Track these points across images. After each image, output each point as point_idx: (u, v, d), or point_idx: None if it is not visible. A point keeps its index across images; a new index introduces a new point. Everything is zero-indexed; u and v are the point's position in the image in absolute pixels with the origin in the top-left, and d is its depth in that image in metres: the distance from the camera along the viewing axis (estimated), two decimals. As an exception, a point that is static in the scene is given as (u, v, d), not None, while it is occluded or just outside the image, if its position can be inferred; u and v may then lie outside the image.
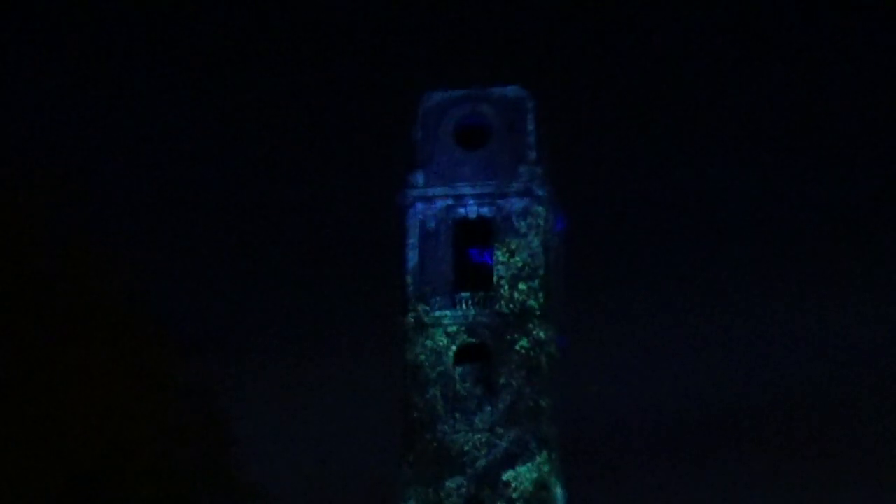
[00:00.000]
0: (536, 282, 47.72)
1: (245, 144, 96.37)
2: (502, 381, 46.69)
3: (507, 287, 47.70)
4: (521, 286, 47.60)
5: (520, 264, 47.81)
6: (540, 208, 48.43)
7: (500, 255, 48.00)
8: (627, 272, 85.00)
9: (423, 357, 47.06)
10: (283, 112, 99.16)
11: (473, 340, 47.37)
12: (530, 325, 47.30)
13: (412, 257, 48.25)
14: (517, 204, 48.25)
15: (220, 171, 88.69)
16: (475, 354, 47.32)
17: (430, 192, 48.61)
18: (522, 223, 48.03)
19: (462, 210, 48.73)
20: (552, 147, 50.95)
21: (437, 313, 47.48)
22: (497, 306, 47.55)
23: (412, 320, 47.55)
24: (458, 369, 47.15)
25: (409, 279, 48.10)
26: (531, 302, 47.50)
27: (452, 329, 47.38)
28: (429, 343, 47.17)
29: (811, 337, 79.94)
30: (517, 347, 46.95)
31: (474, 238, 49.09)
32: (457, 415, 46.40)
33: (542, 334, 47.41)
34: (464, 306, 47.70)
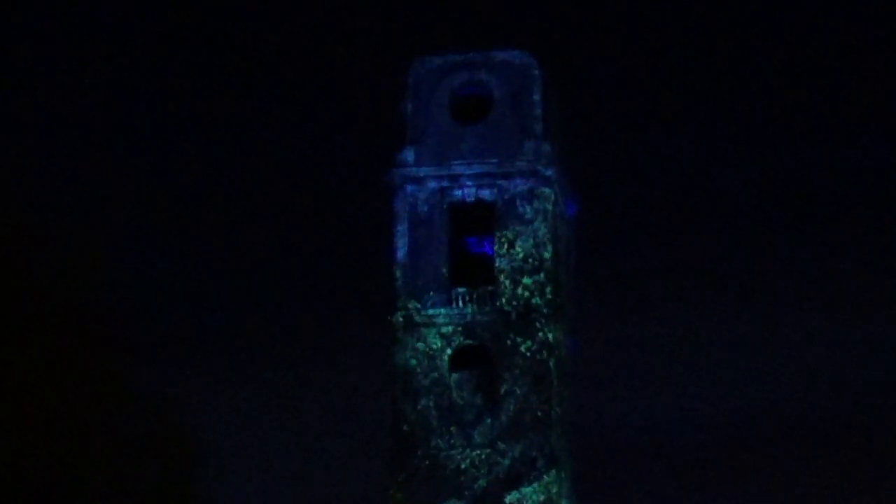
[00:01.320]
0: (543, 275, 47.91)
1: (209, 121, 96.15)
2: (505, 388, 46.92)
3: (509, 281, 47.92)
4: (526, 280, 47.83)
5: (524, 255, 48.03)
6: (547, 191, 48.60)
7: (501, 245, 48.25)
8: (648, 264, 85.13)
9: (413, 362, 47.29)
10: (253, 82, 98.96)
11: (471, 342, 47.58)
12: (536, 325, 47.52)
13: (401, 247, 48.42)
14: (522, 186, 48.41)
15: (184, 155, 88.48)
16: (474, 358, 47.51)
17: (422, 171, 48.77)
18: (528, 208, 48.23)
19: (458, 193, 48.93)
20: (562, 121, 51.19)
21: (430, 311, 47.68)
22: (498, 303, 47.75)
23: (401, 320, 47.74)
24: (454, 376, 47.34)
25: (397, 272, 48.27)
26: (537, 298, 47.72)
27: (447, 329, 47.62)
28: (420, 346, 47.41)
29: (849, 340, 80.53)
30: (522, 350, 47.22)
31: (472, 225, 49.26)
32: (453, 428, 46.64)
33: (549, 335, 47.63)
34: (460, 303, 47.90)
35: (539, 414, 46.74)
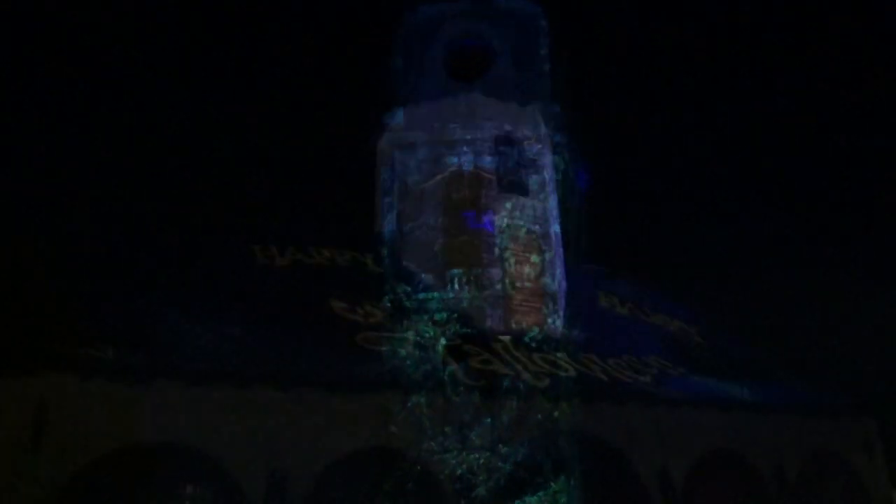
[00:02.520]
0: (550, 254, 47.53)
1: (170, 70, 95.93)
2: (506, 384, 46.50)
3: (512, 261, 47.32)
4: (533, 259, 47.54)
5: (528, 232, 47.64)
6: (556, 158, 48.37)
7: (503, 220, 47.58)
8: (666, 241, 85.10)
9: (403, 353, 46.84)
10: (230, 39, 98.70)
11: (469, 331, 47.00)
12: (543, 311, 46.93)
13: (389, 223, 48.08)
14: (526, 153, 48.29)
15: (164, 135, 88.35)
16: (471, 349, 47.05)
17: (413, 136, 48.45)
18: (533, 178, 47.99)
19: (454, 160, 48.45)
20: (574, 79, 50.79)
21: (422, 296, 47.09)
22: (499, 286, 47.07)
23: (389, 305, 47.14)
24: (449, 369, 46.93)
25: (384, 251, 47.71)
26: (544, 280, 47.19)
27: (441, 316, 47.03)
28: (410, 335, 46.92)
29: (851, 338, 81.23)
30: (526, 339, 46.55)
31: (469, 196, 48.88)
32: (447, 429, 46.19)
33: (557, 322, 47.29)
34: (456, 287, 47.36)
35: (545, 413, 46.38)
